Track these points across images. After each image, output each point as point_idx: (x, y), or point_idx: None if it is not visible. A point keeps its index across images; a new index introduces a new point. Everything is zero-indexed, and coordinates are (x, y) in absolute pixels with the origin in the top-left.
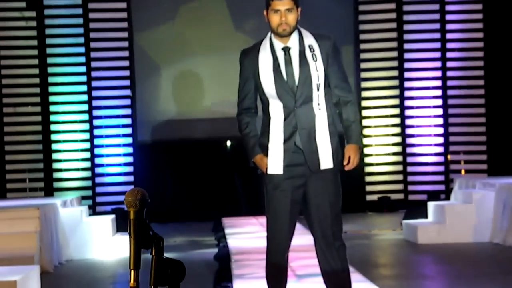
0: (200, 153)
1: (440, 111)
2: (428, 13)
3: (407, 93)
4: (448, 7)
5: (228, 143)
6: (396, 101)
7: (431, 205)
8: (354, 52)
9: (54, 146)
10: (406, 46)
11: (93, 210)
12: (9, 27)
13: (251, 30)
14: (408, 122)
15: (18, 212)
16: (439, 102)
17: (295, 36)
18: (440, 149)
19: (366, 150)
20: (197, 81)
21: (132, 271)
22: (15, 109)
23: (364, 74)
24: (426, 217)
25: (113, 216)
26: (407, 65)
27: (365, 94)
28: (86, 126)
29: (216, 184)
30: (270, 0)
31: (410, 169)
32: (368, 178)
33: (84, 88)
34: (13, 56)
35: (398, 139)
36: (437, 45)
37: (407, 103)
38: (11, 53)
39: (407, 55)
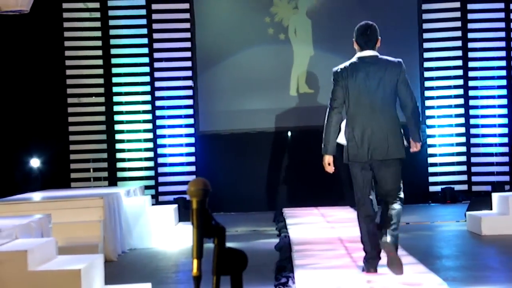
0: (261, 143)
1: (505, 101)
2: (493, 12)
3: (472, 83)
4: None
5: (289, 133)
6: (460, 91)
7: (495, 196)
8: (418, 45)
9: (118, 137)
10: (470, 35)
11: (156, 200)
12: (74, 18)
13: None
14: (472, 112)
15: (83, 202)
16: (504, 92)
17: None
18: (505, 140)
19: (429, 141)
20: (258, 72)
21: (195, 260)
22: (80, 99)
23: (427, 64)
24: (490, 208)
25: (175, 205)
26: (471, 54)
27: (428, 84)
28: (148, 116)
29: (278, 174)
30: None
31: (474, 160)
32: (432, 169)
33: (147, 79)
34: (77, 47)
35: (462, 130)
36: (502, 44)
37: (472, 93)
38: (75, 44)
39: (471, 44)
